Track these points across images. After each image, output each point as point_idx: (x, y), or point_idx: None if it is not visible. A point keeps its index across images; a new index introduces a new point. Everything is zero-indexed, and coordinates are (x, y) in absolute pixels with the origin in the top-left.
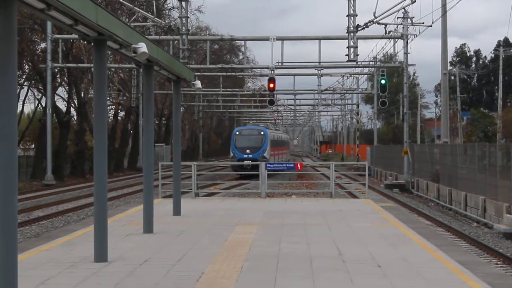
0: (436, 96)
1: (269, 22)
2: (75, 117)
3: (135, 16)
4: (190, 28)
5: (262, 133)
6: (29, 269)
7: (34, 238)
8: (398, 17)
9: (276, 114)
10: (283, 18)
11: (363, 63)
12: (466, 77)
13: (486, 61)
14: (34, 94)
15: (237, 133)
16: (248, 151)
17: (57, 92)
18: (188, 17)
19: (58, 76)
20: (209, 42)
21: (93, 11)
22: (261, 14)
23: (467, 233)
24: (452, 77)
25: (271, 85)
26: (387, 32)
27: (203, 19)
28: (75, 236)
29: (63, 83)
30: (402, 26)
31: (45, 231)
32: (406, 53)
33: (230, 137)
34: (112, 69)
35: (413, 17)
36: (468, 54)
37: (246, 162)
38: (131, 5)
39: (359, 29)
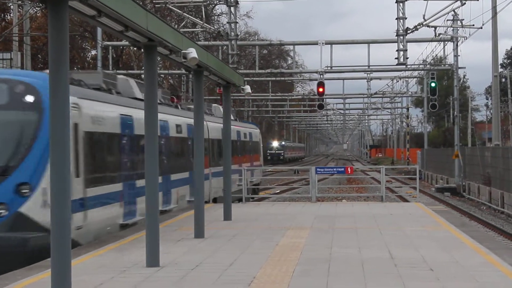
0: (487, 99)
1: (321, 27)
2: None
3: (184, 22)
4: (239, 34)
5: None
6: (82, 274)
7: (86, 244)
8: (447, 20)
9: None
10: (335, 23)
11: (412, 66)
12: None
13: None
14: None
15: None
16: None
17: None
18: (237, 23)
19: None
20: (258, 47)
21: (143, 17)
22: (314, 19)
23: None
24: (503, 79)
25: (320, 90)
26: (437, 35)
27: (252, 25)
28: (126, 242)
29: None
30: (451, 28)
31: None
32: (456, 56)
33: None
34: (161, 75)
35: (463, 19)
36: None
37: None
38: (180, 11)
39: (408, 32)
